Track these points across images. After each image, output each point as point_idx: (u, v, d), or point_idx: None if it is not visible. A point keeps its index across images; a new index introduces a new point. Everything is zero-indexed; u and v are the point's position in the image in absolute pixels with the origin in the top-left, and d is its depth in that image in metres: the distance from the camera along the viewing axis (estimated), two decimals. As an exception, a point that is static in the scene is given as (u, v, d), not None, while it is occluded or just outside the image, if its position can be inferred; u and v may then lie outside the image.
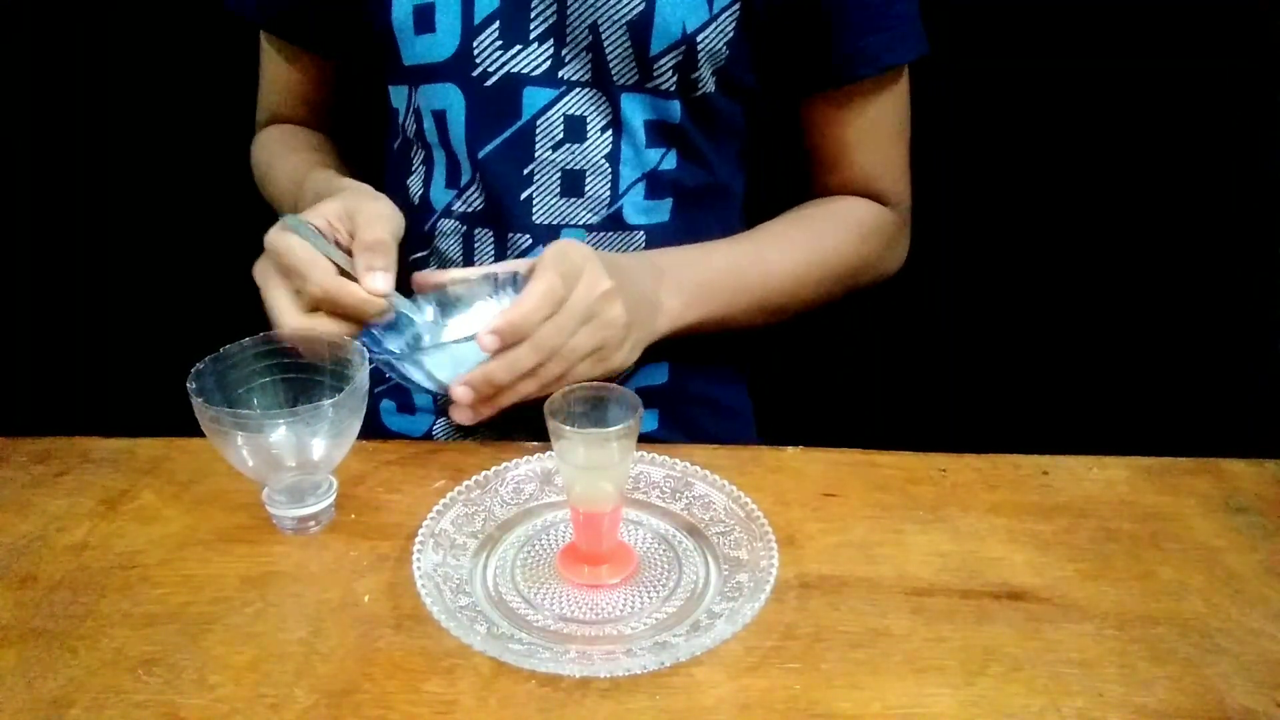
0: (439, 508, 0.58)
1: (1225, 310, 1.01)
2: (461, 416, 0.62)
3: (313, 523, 0.58)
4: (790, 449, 0.67)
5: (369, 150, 0.87)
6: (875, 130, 0.79)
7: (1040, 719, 0.45)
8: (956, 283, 1.05)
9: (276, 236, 0.63)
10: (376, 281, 0.62)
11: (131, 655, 0.49)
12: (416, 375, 0.63)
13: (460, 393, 0.61)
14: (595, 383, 0.56)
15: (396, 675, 0.47)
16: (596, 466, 0.52)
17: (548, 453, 0.63)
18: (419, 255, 0.80)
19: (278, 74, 0.87)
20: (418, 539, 0.55)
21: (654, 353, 0.78)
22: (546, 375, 0.62)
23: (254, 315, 0.69)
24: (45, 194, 1.06)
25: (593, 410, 0.55)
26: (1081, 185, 1.00)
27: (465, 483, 0.60)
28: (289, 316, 0.62)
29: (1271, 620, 0.52)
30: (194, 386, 0.56)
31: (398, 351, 0.66)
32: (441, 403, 0.62)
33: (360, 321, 0.63)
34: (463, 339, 0.61)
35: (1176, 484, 0.63)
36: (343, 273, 0.63)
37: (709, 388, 0.84)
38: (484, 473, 0.61)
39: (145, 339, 0.66)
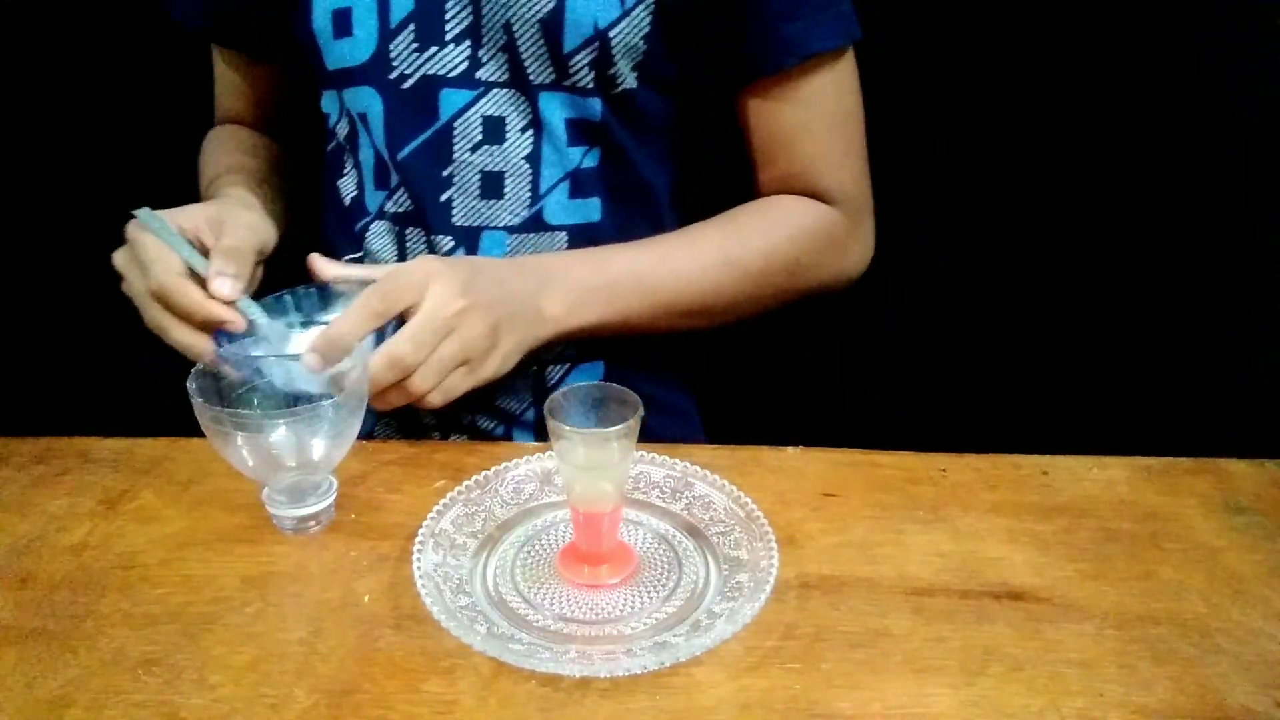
0: (439, 508, 0.58)
1: (1225, 310, 1.01)
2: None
3: (313, 523, 0.58)
4: (790, 449, 0.67)
5: (315, 153, 0.87)
6: (811, 122, 0.77)
7: (1040, 719, 0.45)
8: (957, 282, 1.05)
9: (135, 229, 0.64)
10: (223, 287, 0.62)
11: (131, 655, 0.49)
12: (281, 379, 0.63)
13: (311, 359, 0.61)
14: (595, 383, 0.56)
15: (396, 675, 0.47)
16: (596, 466, 0.52)
17: (548, 453, 0.63)
18: (353, 256, 0.80)
19: (226, 77, 0.88)
20: (418, 539, 0.55)
21: (589, 351, 0.78)
22: (415, 387, 0.62)
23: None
24: (45, 194, 1.06)
25: (593, 410, 0.55)
26: (1083, 184, 1.00)
27: (465, 483, 0.60)
28: (148, 310, 0.64)
29: (1271, 620, 0.52)
30: (194, 386, 0.56)
31: (260, 356, 0.65)
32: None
33: (202, 326, 0.63)
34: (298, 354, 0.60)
35: (1176, 484, 0.63)
36: (195, 275, 0.63)
37: (646, 386, 0.83)
38: (484, 473, 0.61)
39: (145, 339, 0.66)
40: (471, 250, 0.75)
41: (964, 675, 0.48)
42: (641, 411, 0.52)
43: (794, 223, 0.78)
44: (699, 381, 0.91)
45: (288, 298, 0.68)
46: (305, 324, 0.68)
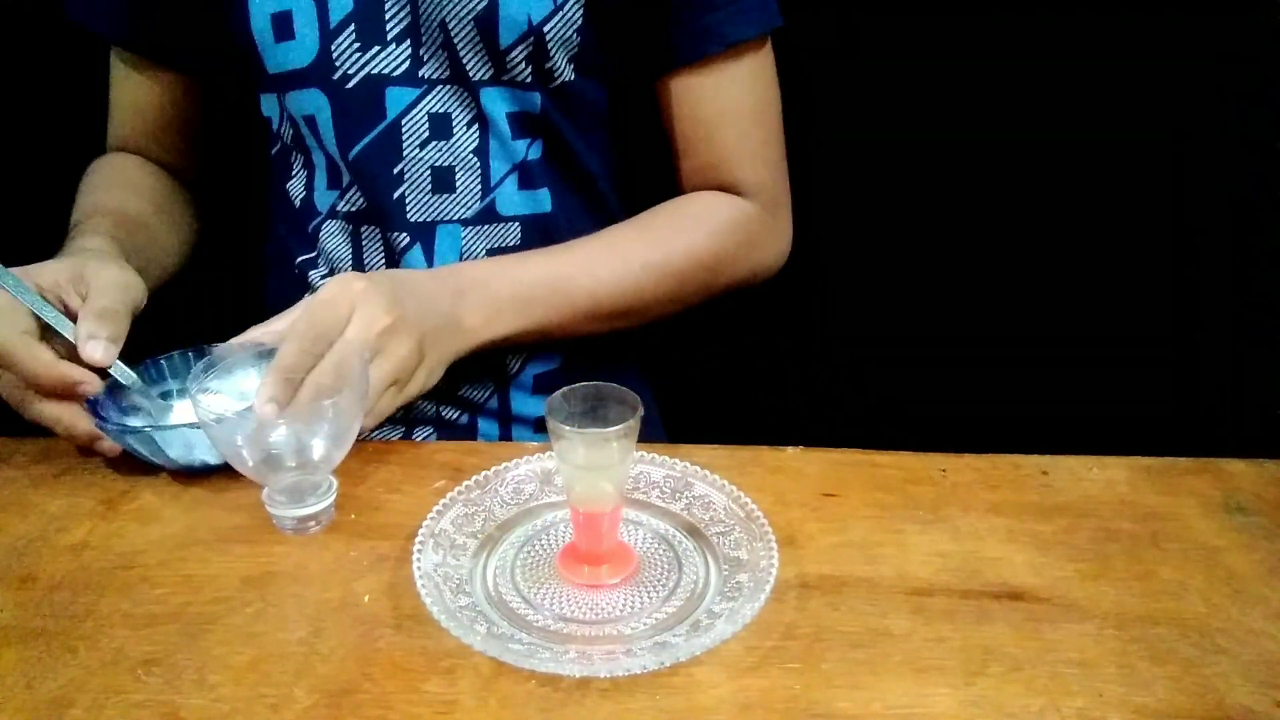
0: (439, 508, 0.58)
1: (1225, 310, 1.01)
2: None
3: (313, 523, 0.58)
4: (790, 449, 0.67)
5: (248, 159, 0.86)
6: (729, 112, 0.77)
7: (1040, 719, 0.45)
8: (957, 283, 1.05)
9: None
10: (95, 351, 0.59)
11: (131, 655, 0.49)
12: (147, 450, 0.61)
13: (269, 409, 0.57)
14: (595, 383, 0.56)
15: (396, 675, 0.47)
16: (596, 466, 0.52)
17: (548, 453, 0.63)
18: (306, 257, 0.80)
19: (129, 96, 0.84)
20: (418, 539, 0.55)
21: (545, 344, 0.78)
22: (339, 414, 0.57)
23: (254, 316, 0.69)
24: (45, 194, 1.06)
25: (593, 410, 0.55)
26: (1082, 184, 1.00)
27: (465, 483, 0.60)
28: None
29: (1271, 620, 0.52)
30: (194, 387, 0.56)
31: (139, 415, 0.64)
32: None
33: (52, 391, 0.60)
34: (229, 416, 0.58)
35: (1176, 484, 0.63)
36: (46, 333, 0.60)
37: (602, 377, 0.83)
38: (484, 473, 0.61)
39: (145, 339, 0.66)
40: (428, 244, 0.76)
41: (964, 675, 0.48)
42: (641, 411, 0.52)
43: (712, 220, 0.78)
44: (655, 374, 0.91)
45: (163, 363, 0.67)
46: (181, 392, 0.67)
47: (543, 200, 0.77)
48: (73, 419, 0.61)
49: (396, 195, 0.75)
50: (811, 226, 0.86)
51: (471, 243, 0.76)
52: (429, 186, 0.75)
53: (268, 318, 0.76)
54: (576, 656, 0.48)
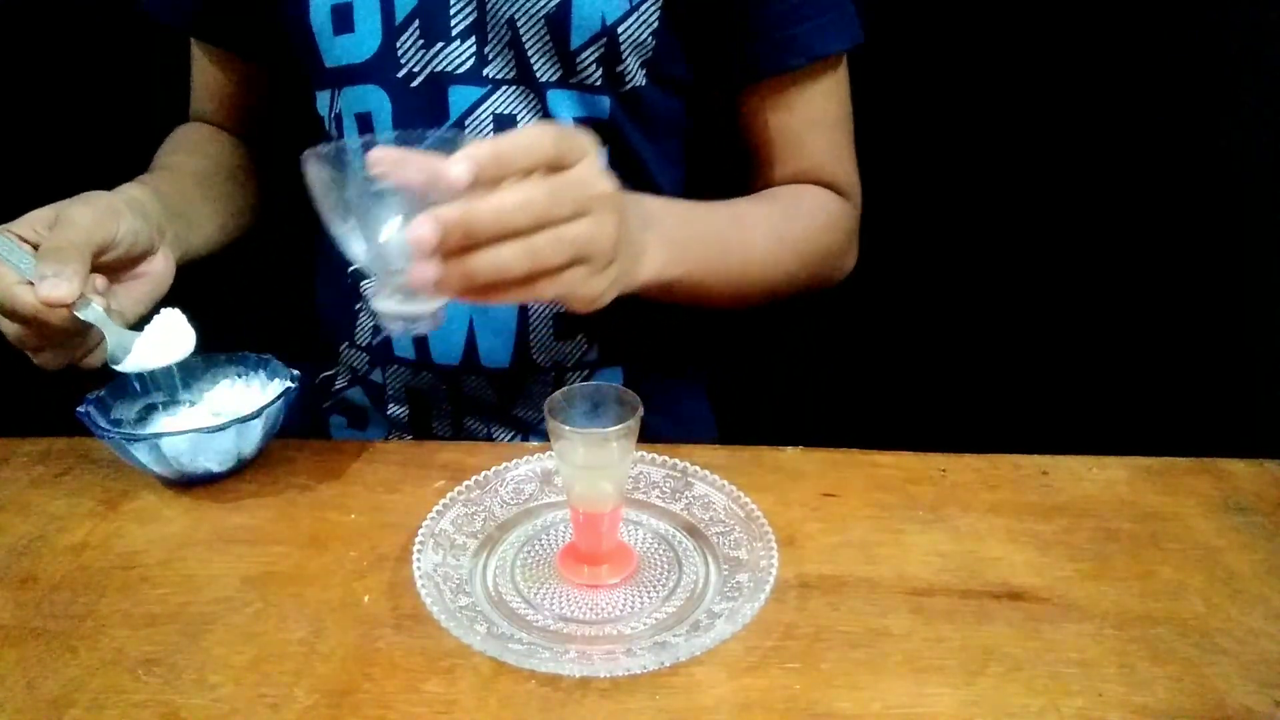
0: (439, 508, 0.58)
1: (1225, 310, 1.01)
2: (422, 272, 0.48)
3: (422, 324, 0.51)
4: (790, 449, 0.67)
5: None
6: (822, 120, 0.77)
7: (1040, 719, 0.45)
8: (957, 282, 1.05)
9: None
10: (46, 289, 0.55)
11: (131, 655, 0.49)
12: (144, 457, 0.60)
13: (424, 230, 0.46)
14: (594, 383, 0.56)
15: (396, 675, 0.47)
16: (596, 466, 0.52)
17: (548, 453, 0.63)
18: (355, 268, 0.77)
19: (203, 76, 0.85)
20: (418, 539, 0.55)
21: (608, 356, 0.77)
22: (534, 251, 0.49)
23: (256, 316, 0.69)
24: (45, 194, 1.06)
25: (593, 410, 0.55)
26: (1082, 184, 1.00)
27: (465, 483, 0.60)
28: (2, 323, 0.59)
29: (1271, 620, 0.52)
30: (314, 170, 0.49)
31: (124, 427, 0.63)
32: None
33: (55, 334, 0.58)
34: (216, 428, 0.57)
35: (1176, 484, 0.63)
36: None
37: (666, 393, 0.82)
38: (484, 473, 0.61)
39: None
40: None
41: (964, 675, 0.48)
42: (641, 411, 0.52)
43: (828, 211, 0.78)
44: (717, 389, 0.90)
45: (145, 375, 0.66)
46: (166, 404, 0.67)
47: None
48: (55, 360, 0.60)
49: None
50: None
51: None
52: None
53: (321, 329, 0.75)
54: (576, 656, 0.48)
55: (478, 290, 0.49)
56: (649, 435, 0.79)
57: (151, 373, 0.66)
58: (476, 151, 0.46)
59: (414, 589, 0.51)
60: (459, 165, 0.45)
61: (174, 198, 0.72)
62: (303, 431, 0.85)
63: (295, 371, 0.65)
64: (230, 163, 0.83)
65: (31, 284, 0.56)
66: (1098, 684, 0.47)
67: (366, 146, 0.48)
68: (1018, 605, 0.52)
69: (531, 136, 0.49)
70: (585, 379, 0.77)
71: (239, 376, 0.68)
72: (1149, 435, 0.69)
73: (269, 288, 0.96)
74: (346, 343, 0.81)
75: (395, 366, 0.77)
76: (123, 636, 0.50)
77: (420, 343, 0.75)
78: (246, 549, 0.57)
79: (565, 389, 0.55)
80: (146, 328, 0.63)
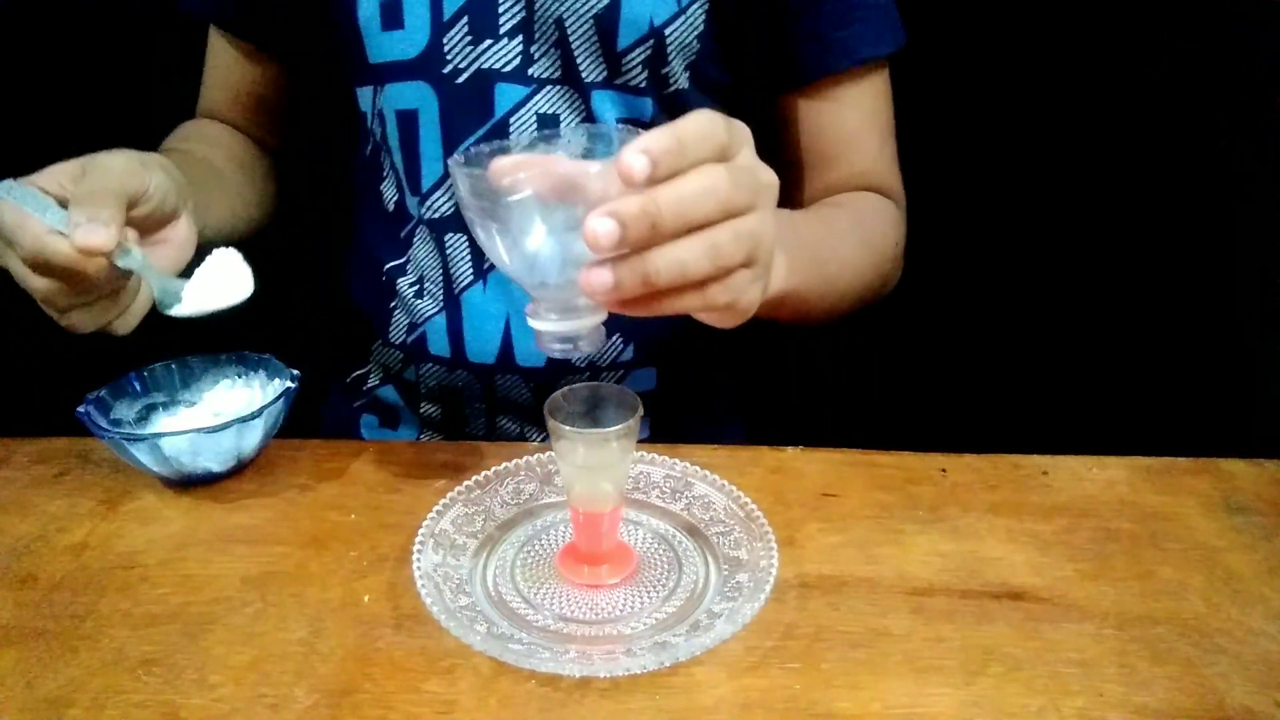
0: (439, 508, 0.58)
1: (1225, 310, 1.01)
2: (598, 277, 0.42)
3: (580, 343, 0.47)
4: (790, 449, 0.67)
5: (339, 159, 0.86)
6: (872, 123, 0.77)
7: (1040, 719, 0.45)
8: (957, 283, 1.05)
9: None
10: (82, 235, 0.52)
11: (131, 655, 0.49)
12: (144, 457, 0.60)
13: (603, 226, 0.40)
14: (594, 383, 0.56)
15: (396, 675, 0.47)
16: (596, 466, 0.52)
17: (547, 453, 0.63)
18: (395, 263, 0.78)
19: (221, 72, 0.84)
20: (418, 539, 0.55)
21: (643, 357, 0.77)
22: (716, 246, 0.43)
23: (257, 316, 0.69)
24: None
25: (592, 410, 0.55)
26: (1081, 184, 1.00)
27: (465, 483, 0.60)
28: (29, 281, 0.55)
29: (1271, 620, 0.52)
30: (464, 173, 0.46)
31: (124, 427, 0.63)
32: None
33: (84, 282, 0.55)
34: (216, 427, 0.57)
35: (1176, 484, 0.63)
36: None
37: (699, 392, 0.83)
38: (484, 473, 0.61)
39: (146, 339, 0.66)
40: None
41: (964, 675, 0.48)
42: (641, 411, 0.52)
43: (891, 217, 0.77)
44: (749, 393, 0.90)
45: (145, 375, 0.67)
46: (167, 405, 0.67)
47: None
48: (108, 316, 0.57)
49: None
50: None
51: None
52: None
53: (353, 327, 0.75)
54: (576, 656, 0.48)
55: (654, 296, 0.44)
56: (682, 434, 0.79)
57: (152, 372, 0.66)
58: (653, 142, 0.41)
59: (414, 589, 0.51)
60: (637, 160, 0.40)
61: (189, 174, 0.69)
62: (332, 432, 0.85)
63: (295, 371, 0.65)
64: (242, 156, 0.82)
65: (63, 235, 0.53)
66: (1098, 684, 0.47)
67: (499, 152, 0.45)
68: (1018, 605, 0.52)
69: (706, 123, 0.43)
70: (620, 379, 0.77)
71: (239, 376, 0.68)
72: (1149, 435, 0.69)
73: (297, 288, 0.96)
74: (379, 341, 0.80)
75: (429, 365, 0.77)
76: (123, 636, 0.50)
77: (456, 340, 0.75)
78: (246, 549, 0.57)
79: (565, 389, 0.55)
80: (198, 270, 0.59)
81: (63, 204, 0.55)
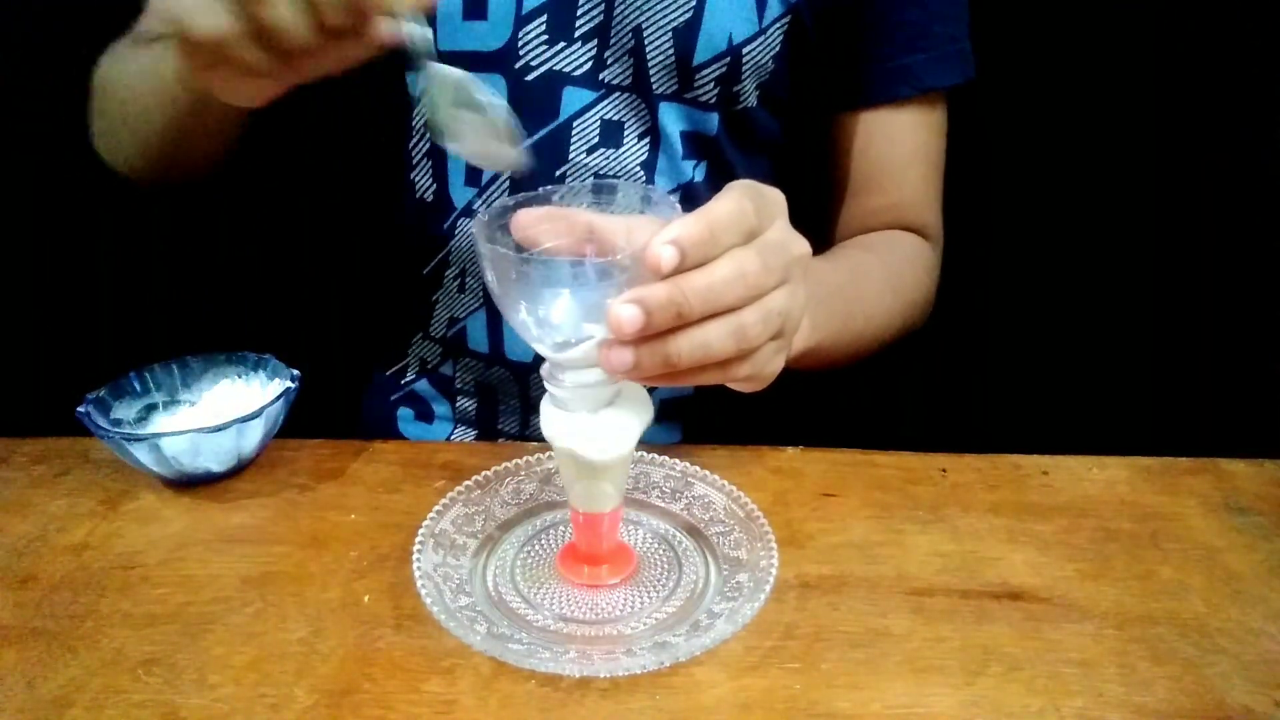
0: (439, 508, 0.58)
1: (1226, 310, 1.01)
2: (618, 357, 0.43)
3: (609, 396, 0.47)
4: (790, 449, 0.67)
5: (387, 146, 0.86)
6: (921, 156, 0.77)
7: (1040, 719, 0.45)
8: (956, 283, 1.05)
9: None
10: None
11: (131, 655, 0.49)
12: (144, 457, 0.59)
13: (628, 313, 0.41)
14: None
15: (396, 675, 0.47)
16: (596, 467, 0.52)
17: (548, 453, 0.63)
18: (439, 255, 0.78)
19: None
20: (418, 539, 0.55)
21: (666, 413, 0.76)
22: (742, 329, 0.44)
23: (257, 316, 0.69)
24: (47, 193, 1.06)
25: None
26: (1080, 185, 1.00)
27: (465, 483, 0.60)
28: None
29: (1271, 620, 0.52)
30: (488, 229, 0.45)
31: (123, 427, 0.63)
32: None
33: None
34: (216, 427, 0.57)
35: (1176, 484, 0.63)
36: None
37: (734, 396, 0.82)
38: (484, 473, 0.61)
39: (146, 339, 0.67)
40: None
41: (964, 675, 0.48)
42: (649, 416, 0.52)
43: (923, 259, 0.77)
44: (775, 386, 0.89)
45: (146, 375, 0.66)
46: (167, 405, 0.67)
47: None
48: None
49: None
50: (811, 227, 0.85)
51: None
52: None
53: (391, 322, 0.76)
54: (576, 656, 0.48)
55: (675, 374, 0.44)
56: (714, 438, 0.77)
57: (152, 372, 0.66)
58: (684, 233, 0.41)
59: (414, 589, 0.51)
60: (666, 250, 0.40)
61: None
62: (370, 426, 0.85)
63: (295, 371, 0.66)
64: None
65: None
66: (1098, 684, 0.47)
67: (517, 206, 0.44)
68: (1018, 605, 0.52)
69: (736, 208, 0.44)
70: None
71: (239, 376, 0.68)
72: (1149, 435, 0.69)
73: (319, 286, 0.96)
74: (420, 334, 0.81)
75: (467, 360, 0.77)
76: (123, 636, 0.50)
77: (495, 337, 0.75)
78: (246, 549, 0.57)
79: None
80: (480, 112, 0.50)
81: None
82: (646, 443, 0.56)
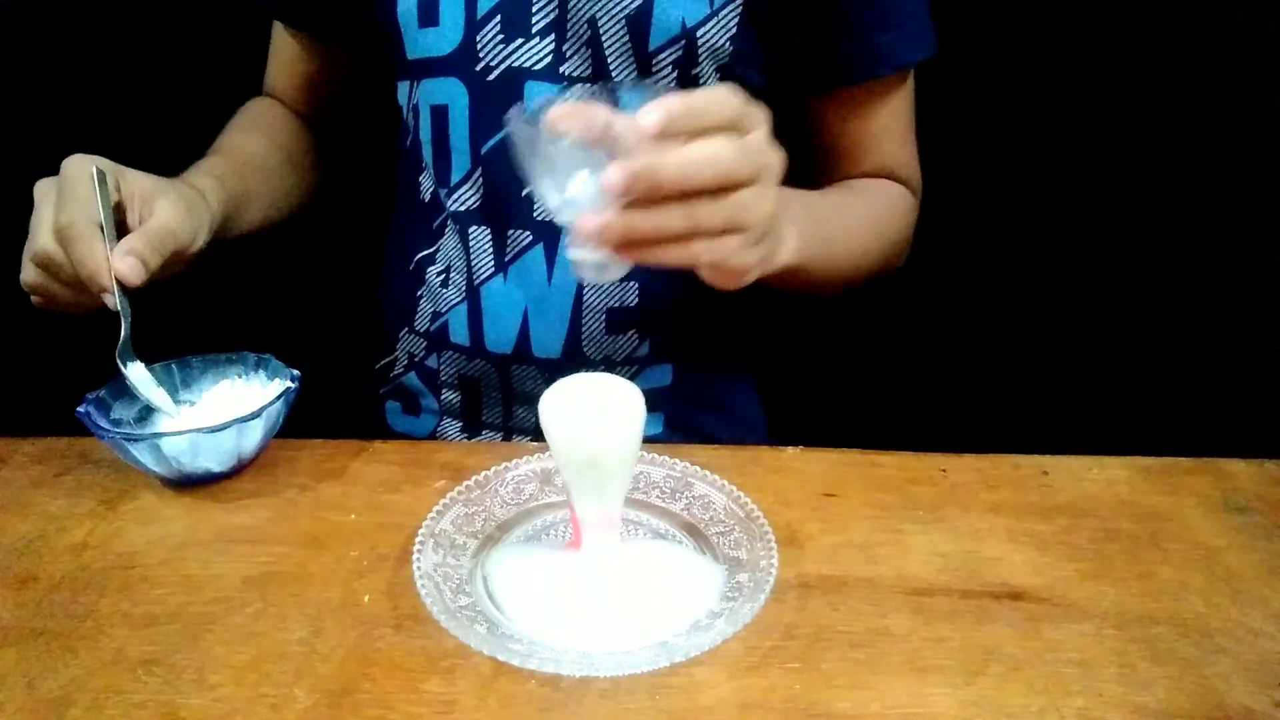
0: (439, 508, 0.58)
1: (1225, 310, 1.01)
2: (591, 221, 0.48)
3: (610, 270, 0.51)
4: (790, 449, 0.67)
5: (379, 149, 0.87)
6: (893, 126, 0.79)
7: (1040, 719, 0.45)
8: (957, 282, 1.05)
9: (76, 163, 0.62)
10: (126, 268, 0.59)
11: (131, 655, 0.49)
12: (144, 457, 0.60)
13: (611, 175, 0.46)
14: (595, 374, 0.55)
15: (396, 675, 0.47)
16: (597, 466, 0.52)
17: (547, 453, 0.63)
18: (426, 253, 0.80)
19: (282, 54, 0.87)
20: (418, 539, 0.55)
21: (658, 353, 0.77)
22: (709, 210, 0.49)
23: (258, 316, 0.69)
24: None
25: (593, 406, 0.54)
26: (1081, 184, 1.00)
27: (465, 483, 0.60)
28: (43, 238, 0.60)
29: (1271, 620, 0.52)
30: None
31: (122, 427, 0.63)
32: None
33: (80, 281, 0.60)
34: (216, 427, 0.58)
35: (1176, 484, 0.63)
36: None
37: (717, 390, 0.83)
38: (484, 473, 0.61)
39: (147, 339, 0.67)
40: (550, 246, 0.74)
41: (964, 675, 0.48)
42: (644, 415, 0.52)
43: (903, 201, 0.80)
44: (768, 384, 0.90)
45: (190, 362, 0.67)
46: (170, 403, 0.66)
47: None
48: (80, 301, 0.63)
49: (526, 192, 0.74)
50: None
51: None
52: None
53: (383, 316, 0.77)
54: (576, 657, 0.48)
55: (636, 245, 0.49)
56: (700, 433, 0.80)
57: (152, 371, 0.66)
58: (668, 103, 0.46)
59: (414, 589, 0.51)
60: (651, 115, 0.46)
61: (237, 189, 0.75)
62: (358, 420, 0.86)
63: (295, 371, 0.65)
64: (292, 146, 0.85)
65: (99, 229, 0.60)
66: (1098, 684, 0.47)
67: (549, 105, 0.48)
68: (1018, 605, 0.52)
69: (720, 96, 0.49)
70: (633, 375, 0.77)
71: (239, 376, 0.68)
72: (1149, 435, 0.69)
73: (316, 286, 0.97)
74: (406, 328, 0.82)
75: (450, 353, 0.79)
76: (123, 636, 0.50)
77: (475, 330, 0.76)
78: (246, 549, 0.57)
79: (563, 382, 0.54)
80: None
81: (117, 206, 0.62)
82: (645, 442, 0.56)
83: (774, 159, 0.51)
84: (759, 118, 0.51)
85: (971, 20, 0.94)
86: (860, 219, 0.75)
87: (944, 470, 0.65)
